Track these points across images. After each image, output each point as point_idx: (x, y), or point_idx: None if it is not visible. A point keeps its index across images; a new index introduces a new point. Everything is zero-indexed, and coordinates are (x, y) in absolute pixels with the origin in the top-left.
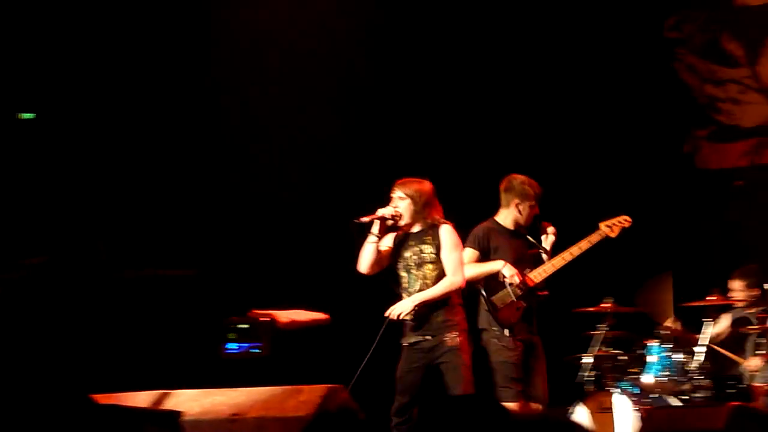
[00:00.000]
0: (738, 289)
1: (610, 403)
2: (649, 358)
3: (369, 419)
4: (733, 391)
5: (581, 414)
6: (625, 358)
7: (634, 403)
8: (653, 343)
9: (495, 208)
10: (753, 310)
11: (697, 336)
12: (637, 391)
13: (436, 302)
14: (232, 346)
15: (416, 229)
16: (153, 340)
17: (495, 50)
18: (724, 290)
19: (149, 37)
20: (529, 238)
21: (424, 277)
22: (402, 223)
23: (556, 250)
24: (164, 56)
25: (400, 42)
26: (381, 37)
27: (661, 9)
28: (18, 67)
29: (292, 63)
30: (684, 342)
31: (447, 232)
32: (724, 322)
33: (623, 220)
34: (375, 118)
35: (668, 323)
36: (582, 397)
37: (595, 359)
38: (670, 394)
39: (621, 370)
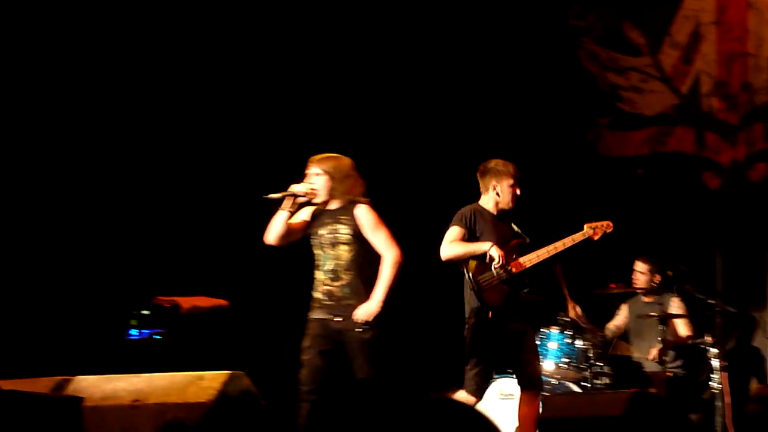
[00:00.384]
0: (641, 272)
1: (511, 389)
2: (549, 345)
3: (271, 404)
4: (633, 378)
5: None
6: None
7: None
8: (554, 330)
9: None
10: (652, 299)
11: (597, 328)
12: None
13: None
14: (133, 332)
15: (334, 206)
16: (54, 325)
17: (388, 36)
18: (627, 279)
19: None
20: (514, 226)
21: (337, 258)
22: (318, 200)
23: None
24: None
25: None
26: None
27: None
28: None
29: None
30: (584, 329)
31: (364, 212)
32: (624, 311)
33: (606, 226)
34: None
35: (569, 310)
36: None
37: None
38: (570, 381)
39: None
